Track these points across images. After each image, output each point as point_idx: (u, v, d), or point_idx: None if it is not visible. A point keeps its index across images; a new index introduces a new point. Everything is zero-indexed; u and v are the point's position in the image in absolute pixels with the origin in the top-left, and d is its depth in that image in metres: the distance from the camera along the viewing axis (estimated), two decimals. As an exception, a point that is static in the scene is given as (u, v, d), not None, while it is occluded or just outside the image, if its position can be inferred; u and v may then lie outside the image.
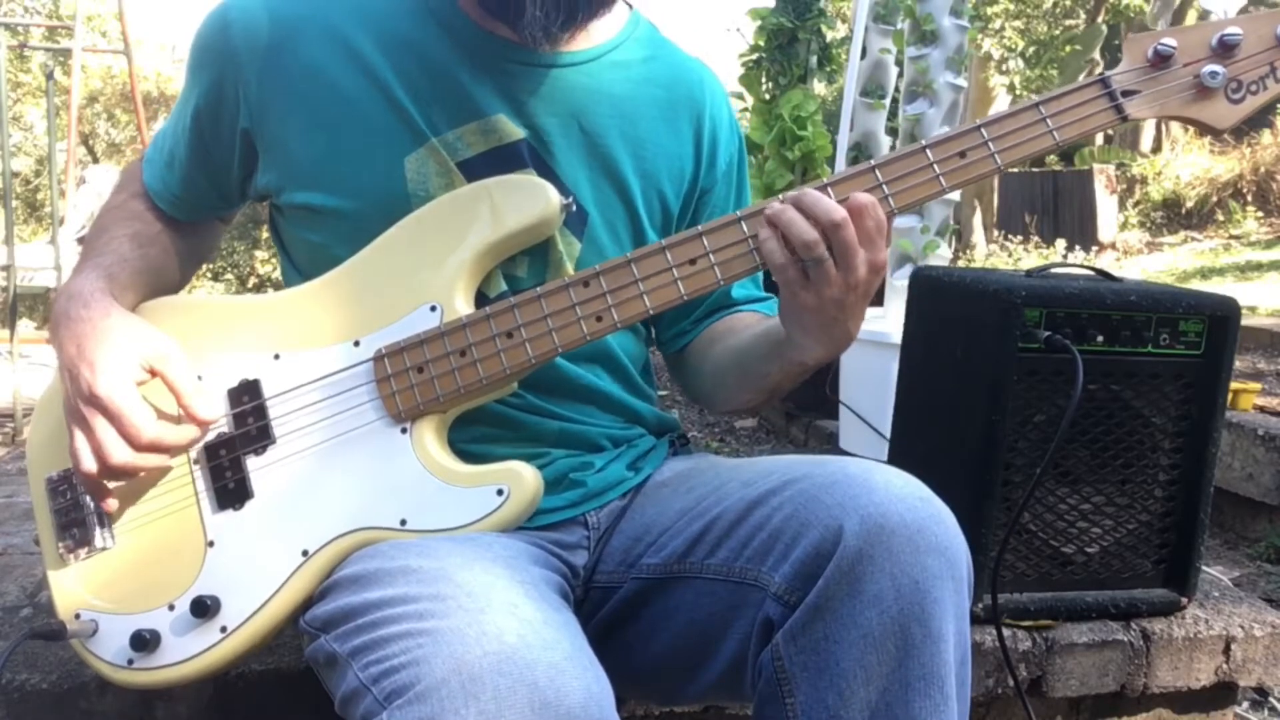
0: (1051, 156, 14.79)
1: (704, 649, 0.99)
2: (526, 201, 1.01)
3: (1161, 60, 0.96)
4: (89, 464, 0.98)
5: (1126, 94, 0.97)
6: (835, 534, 0.88)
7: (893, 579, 0.86)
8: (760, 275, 1.26)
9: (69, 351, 1.01)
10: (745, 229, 0.97)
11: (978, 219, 13.75)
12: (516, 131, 1.07)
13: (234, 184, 1.14)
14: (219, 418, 1.02)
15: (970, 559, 0.92)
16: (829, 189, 0.96)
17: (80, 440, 0.99)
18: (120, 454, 0.97)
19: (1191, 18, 13.23)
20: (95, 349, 1.00)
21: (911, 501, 0.89)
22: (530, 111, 1.07)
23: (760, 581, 0.93)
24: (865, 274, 0.94)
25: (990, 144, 0.96)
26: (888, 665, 0.86)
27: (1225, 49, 0.96)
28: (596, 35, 1.12)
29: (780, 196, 0.96)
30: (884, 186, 0.96)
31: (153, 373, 1.01)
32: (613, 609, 1.06)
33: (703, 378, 1.24)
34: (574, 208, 1.07)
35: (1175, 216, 14.16)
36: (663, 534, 1.04)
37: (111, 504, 1.02)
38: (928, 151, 0.96)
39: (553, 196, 1.02)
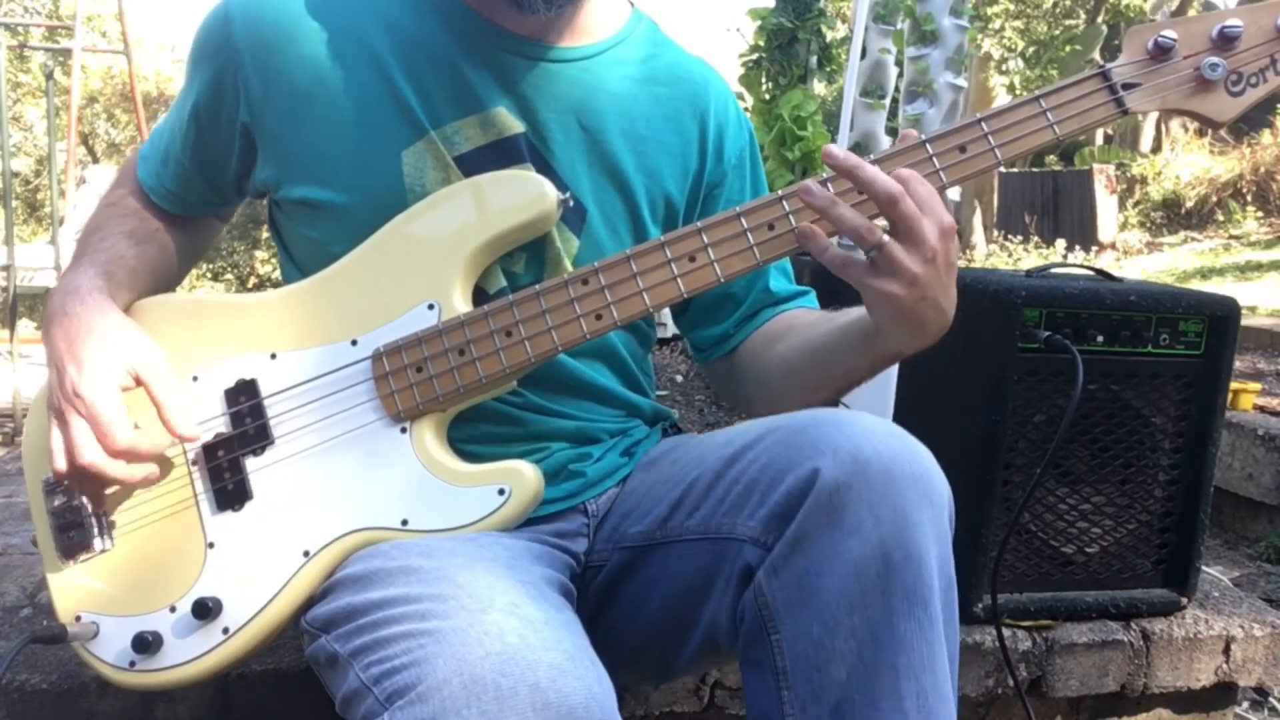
0: (1051, 156, 14.78)
1: (688, 613, 0.99)
2: (523, 196, 1.01)
3: (1162, 53, 0.96)
4: (59, 461, 0.98)
5: (1127, 87, 0.96)
6: (811, 473, 0.87)
7: (870, 507, 0.86)
8: (790, 267, 1.25)
9: (59, 347, 1.01)
10: (744, 224, 0.97)
11: (978, 219, 13.74)
12: (516, 125, 1.06)
13: (230, 180, 1.14)
14: (198, 435, 1.02)
15: (950, 492, 0.91)
16: (828, 185, 0.95)
17: (55, 436, 0.99)
18: (90, 454, 0.96)
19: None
20: (84, 348, 1.00)
21: (884, 437, 0.89)
22: (530, 106, 1.07)
23: (736, 533, 0.93)
24: (938, 241, 0.90)
25: (990, 138, 0.95)
26: (871, 592, 0.86)
27: (1226, 41, 0.95)
28: (598, 32, 1.12)
29: (826, 160, 0.91)
30: None
31: (138, 381, 1.01)
32: (601, 585, 1.06)
33: (768, 377, 1.18)
34: (571, 203, 1.06)
35: (1175, 216, 14.15)
36: (644, 502, 1.04)
37: (99, 500, 1.02)
38: (927, 146, 0.96)
39: (549, 191, 1.01)
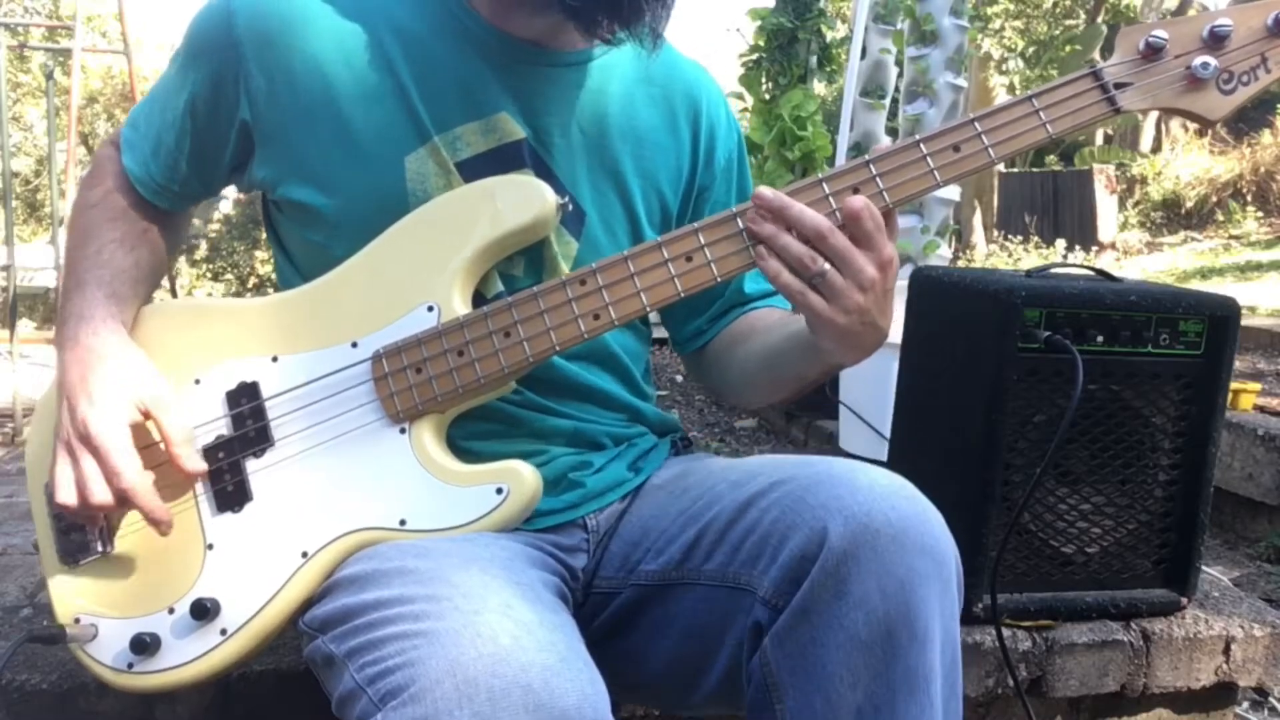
0: (1051, 157, 14.78)
1: (703, 656, 0.99)
2: (523, 201, 1.01)
3: (1153, 52, 0.96)
4: (66, 496, 0.97)
5: (1119, 86, 0.97)
6: (820, 535, 0.87)
7: (878, 580, 0.85)
8: None
9: (71, 378, 1.00)
10: (740, 224, 0.97)
11: (978, 219, 13.74)
12: (517, 131, 1.06)
13: (221, 175, 1.12)
14: (205, 469, 1.01)
15: (959, 558, 0.91)
16: (824, 184, 0.96)
17: (64, 470, 0.98)
18: (100, 494, 0.96)
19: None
20: (96, 383, 0.99)
21: (896, 500, 0.88)
22: (533, 110, 1.07)
23: (751, 585, 0.92)
24: (874, 273, 0.93)
25: (983, 137, 0.96)
26: (874, 668, 0.85)
27: (1216, 40, 0.96)
28: (594, 35, 1.12)
29: (756, 203, 0.95)
30: (878, 180, 0.96)
31: (146, 415, 1.00)
32: (613, 615, 1.06)
33: (729, 378, 1.23)
34: (570, 207, 1.06)
35: (1175, 216, 14.16)
36: (659, 538, 1.04)
37: (98, 520, 1.02)
38: (921, 145, 0.96)
39: (549, 196, 1.01)
